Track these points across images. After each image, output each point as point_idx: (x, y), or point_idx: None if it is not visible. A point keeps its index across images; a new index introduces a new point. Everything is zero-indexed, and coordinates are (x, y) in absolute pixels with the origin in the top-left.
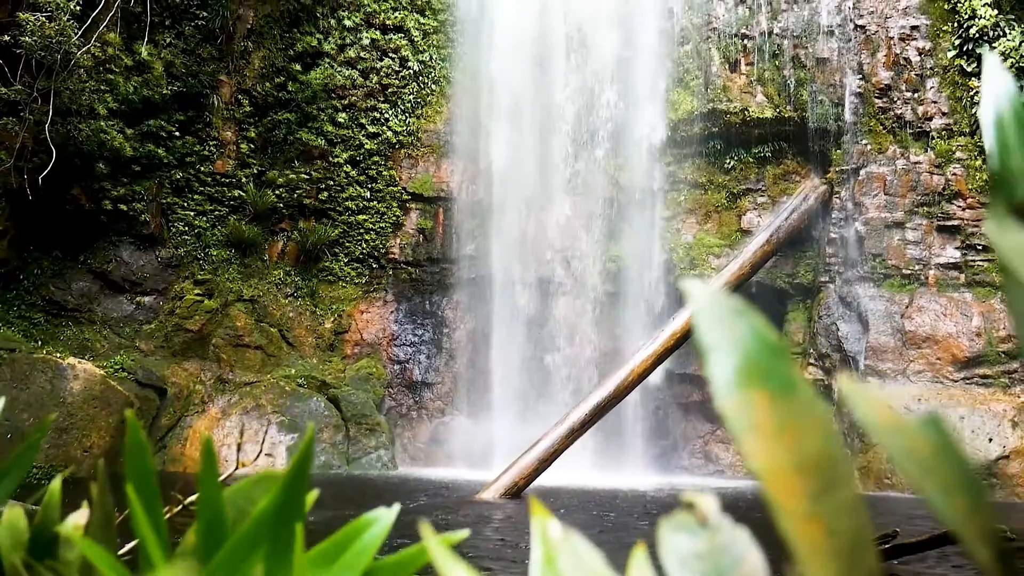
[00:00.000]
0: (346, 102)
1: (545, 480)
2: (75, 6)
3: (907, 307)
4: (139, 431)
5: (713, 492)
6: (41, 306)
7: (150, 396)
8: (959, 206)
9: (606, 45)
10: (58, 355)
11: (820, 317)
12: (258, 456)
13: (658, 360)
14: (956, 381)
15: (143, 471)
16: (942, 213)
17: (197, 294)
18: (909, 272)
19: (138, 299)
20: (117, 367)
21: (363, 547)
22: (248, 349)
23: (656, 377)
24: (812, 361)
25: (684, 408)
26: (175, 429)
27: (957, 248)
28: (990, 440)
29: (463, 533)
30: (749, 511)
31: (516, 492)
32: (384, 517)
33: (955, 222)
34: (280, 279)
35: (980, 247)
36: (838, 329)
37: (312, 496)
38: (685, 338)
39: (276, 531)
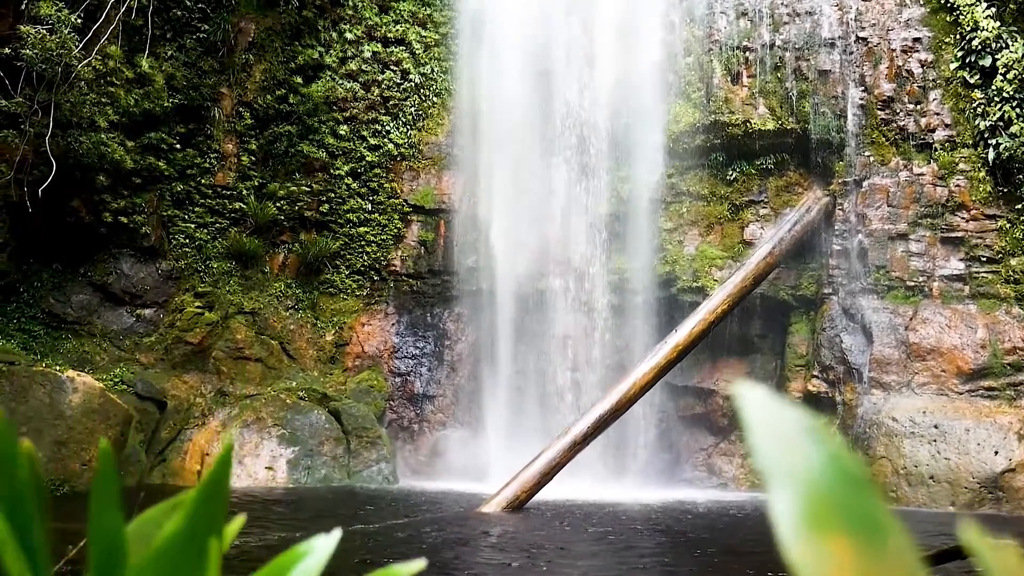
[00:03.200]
0: (347, 114)
1: (547, 493)
2: (76, 19)
3: (911, 319)
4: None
5: (716, 505)
6: (41, 319)
7: (150, 409)
8: (963, 218)
9: (607, 57)
10: (57, 368)
11: (824, 329)
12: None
13: (660, 373)
14: (961, 393)
15: (16, 484)
16: (946, 225)
17: (197, 307)
18: (913, 284)
19: (138, 312)
20: (117, 380)
21: None
22: (248, 362)
23: (659, 389)
24: (816, 374)
25: (687, 421)
26: (175, 442)
27: (961, 260)
28: (996, 453)
29: (418, 564)
30: (753, 526)
31: (518, 506)
32: (321, 546)
33: (959, 234)
34: (281, 291)
35: (984, 259)
36: (842, 341)
37: (238, 523)
38: (687, 351)
39: (185, 558)
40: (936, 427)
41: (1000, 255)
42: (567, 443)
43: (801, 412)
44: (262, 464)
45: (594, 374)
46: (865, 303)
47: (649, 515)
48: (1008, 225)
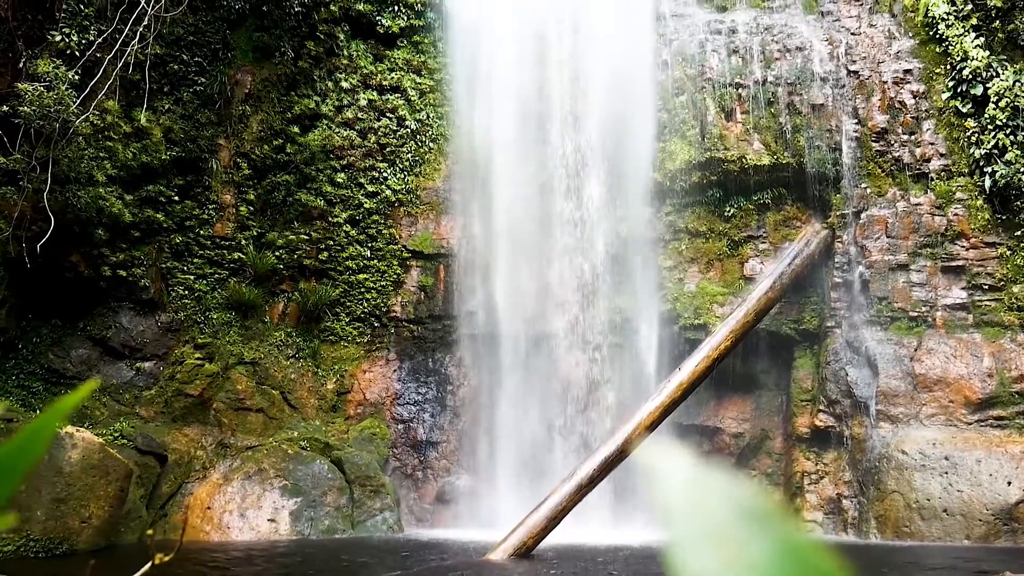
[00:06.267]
0: (344, 162)
1: (555, 538)
2: (74, 75)
3: (916, 350)
4: None
5: None
6: (40, 374)
7: (150, 463)
8: (962, 246)
9: (601, 97)
10: (56, 424)
11: (828, 363)
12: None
13: (665, 412)
14: (970, 424)
15: None
16: (946, 254)
17: (197, 358)
18: (916, 314)
19: (138, 365)
20: (117, 434)
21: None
22: (250, 412)
23: (664, 429)
24: (822, 408)
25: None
26: (176, 496)
27: (963, 288)
28: (1009, 484)
29: None
30: None
31: (525, 552)
32: None
33: (959, 262)
34: (281, 340)
35: (986, 287)
36: (847, 374)
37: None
38: (692, 389)
39: None
40: (947, 459)
41: (1002, 283)
42: (573, 486)
43: (743, 489)
44: (264, 516)
45: (598, 415)
46: (869, 335)
47: (660, 558)
48: (1008, 252)
